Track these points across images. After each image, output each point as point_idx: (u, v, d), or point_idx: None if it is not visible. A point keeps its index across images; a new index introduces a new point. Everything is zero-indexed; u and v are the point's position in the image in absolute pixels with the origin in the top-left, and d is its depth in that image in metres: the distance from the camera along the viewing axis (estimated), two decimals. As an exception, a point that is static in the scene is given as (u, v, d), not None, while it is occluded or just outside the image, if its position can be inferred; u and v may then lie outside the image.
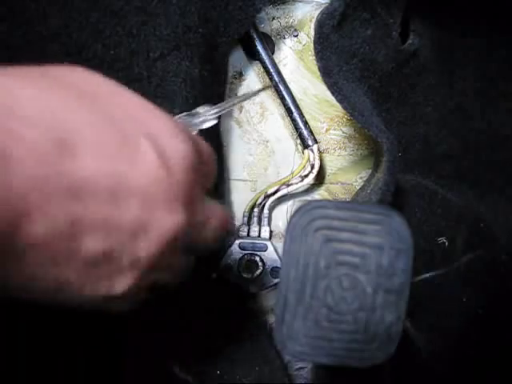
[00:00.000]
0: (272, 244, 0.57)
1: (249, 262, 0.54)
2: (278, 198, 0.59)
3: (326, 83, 0.49)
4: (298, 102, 0.58)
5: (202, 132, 0.47)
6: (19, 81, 0.23)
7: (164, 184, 0.24)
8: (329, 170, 0.61)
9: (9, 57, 0.37)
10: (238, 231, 0.58)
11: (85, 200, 0.22)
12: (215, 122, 0.36)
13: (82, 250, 0.23)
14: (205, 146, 0.31)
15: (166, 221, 0.25)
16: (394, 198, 0.50)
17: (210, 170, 0.31)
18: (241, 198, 0.60)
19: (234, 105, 0.42)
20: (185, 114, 0.36)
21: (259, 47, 0.57)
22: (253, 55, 0.58)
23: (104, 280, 0.24)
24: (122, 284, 0.25)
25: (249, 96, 0.50)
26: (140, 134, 0.24)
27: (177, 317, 0.51)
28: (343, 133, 0.60)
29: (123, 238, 0.24)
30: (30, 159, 0.20)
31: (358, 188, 0.61)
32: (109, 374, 0.47)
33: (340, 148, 0.60)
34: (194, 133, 0.35)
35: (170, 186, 0.25)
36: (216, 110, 0.36)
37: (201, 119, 0.36)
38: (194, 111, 0.36)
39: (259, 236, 0.58)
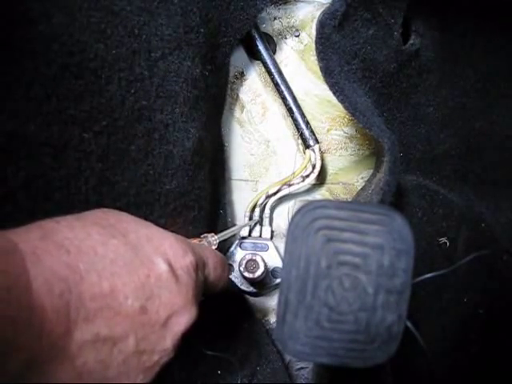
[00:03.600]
0: (273, 244, 0.57)
1: (250, 262, 0.54)
2: (280, 198, 0.59)
3: (328, 83, 0.49)
4: (300, 102, 0.58)
5: (205, 132, 0.47)
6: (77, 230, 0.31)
7: (175, 288, 0.33)
8: (330, 170, 0.61)
9: (11, 57, 0.37)
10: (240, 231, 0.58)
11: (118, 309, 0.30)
12: (215, 246, 0.47)
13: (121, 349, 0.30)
14: (209, 254, 0.40)
15: (180, 320, 0.33)
16: (395, 198, 0.50)
17: (215, 268, 0.39)
18: (242, 197, 0.60)
19: (234, 233, 0.51)
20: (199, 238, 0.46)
21: (261, 47, 0.57)
22: (254, 55, 0.58)
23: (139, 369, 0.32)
24: (148, 366, 0.32)
25: (247, 225, 0.58)
26: (154, 253, 0.33)
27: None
28: (345, 133, 0.60)
29: (153, 336, 0.31)
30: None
31: (359, 188, 0.61)
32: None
33: (341, 148, 0.60)
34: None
35: (180, 288, 0.33)
36: (218, 236, 0.47)
37: (208, 242, 0.46)
38: (202, 236, 0.47)
39: (260, 236, 0.58)
